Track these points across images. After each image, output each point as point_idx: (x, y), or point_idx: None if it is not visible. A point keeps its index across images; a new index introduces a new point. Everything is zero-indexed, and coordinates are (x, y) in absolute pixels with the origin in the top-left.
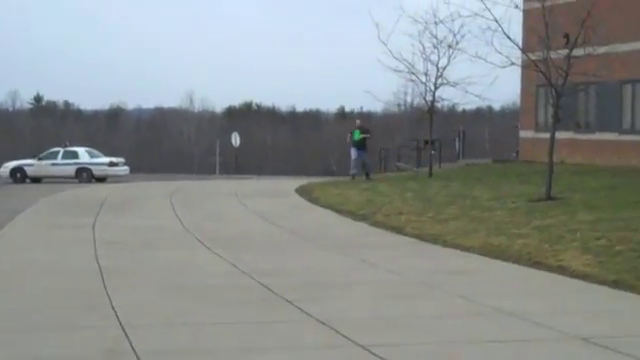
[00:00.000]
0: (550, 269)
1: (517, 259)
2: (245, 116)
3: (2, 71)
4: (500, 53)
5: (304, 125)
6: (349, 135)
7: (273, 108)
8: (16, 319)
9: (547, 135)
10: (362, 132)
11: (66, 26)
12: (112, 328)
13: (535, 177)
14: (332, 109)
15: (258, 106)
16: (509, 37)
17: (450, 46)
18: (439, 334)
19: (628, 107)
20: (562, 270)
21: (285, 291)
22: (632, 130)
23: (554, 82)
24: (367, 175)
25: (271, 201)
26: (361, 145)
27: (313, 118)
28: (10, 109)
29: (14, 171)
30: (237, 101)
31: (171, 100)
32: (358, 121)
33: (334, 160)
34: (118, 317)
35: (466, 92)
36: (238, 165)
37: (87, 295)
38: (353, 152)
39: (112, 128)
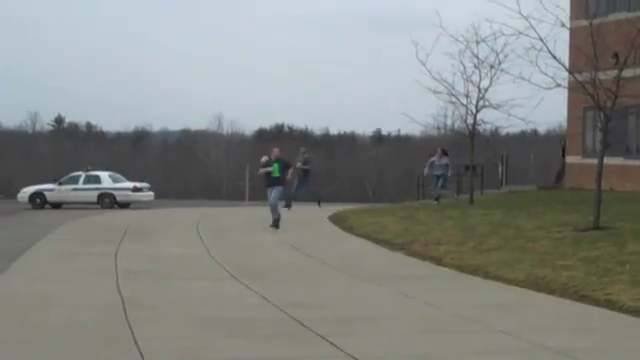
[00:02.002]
0: (597, 303)
1: (563, 292)
2: (276, 139)
3: (22, 92)
4: (545, 74)
5: (338, 149)
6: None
7: (306, 131)
8: (35, 353)
9: (595, 161)
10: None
11: (88, 45)
12: None
13: (582, 205)
14: (368, 132)
15: (290, 129)
16: (555, 57)
17: (492, 66)
18: None
19: None
20: (610, 304)
21: (317, 325)
22: None
23: (602, 105)
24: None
25: (303, 229)
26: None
27: (348, 141)
28: (30, 131)
29: (33, 196)
30: (268, 123)
31: (198, 122)
32: (302, 149)
33: (370, 186)
34: (141, 351)
35: (509, 115)
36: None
37: (109, 328)
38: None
39: (136, 151)
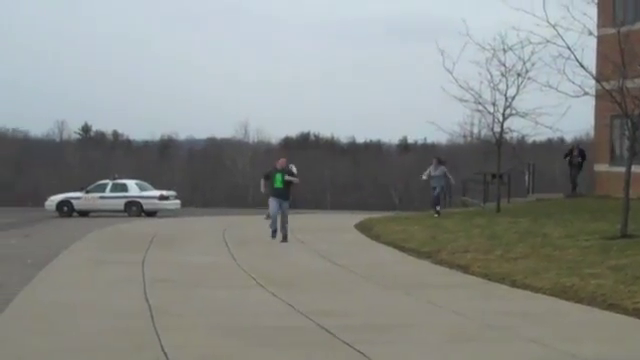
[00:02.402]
0: (626, 312)
1: (591, 301)
2: (302, 147)
3: (49, 100)
4: (572, 82)
5: (364, 157)
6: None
7: (332, 139)
8: None
9: (623, 169)
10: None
11: (115, 55)
12: None
13: (610, 213)
14: (394, 140)
15: (316, 137)
16: (582, 65)
17: (519, 74)
18: None
19: None
20: (638, 313)
21: (344, 333)
22: None
23: (630, 113)
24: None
25: (329, 237)
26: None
27: (374, 150)
28: (57, 139)
29: (61, 204)
30: (294, 132)
31: (224, 130)
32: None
33: (396, 194)
34: (168, 359)
35: (536, 123)
36: (294, 199)
37: (136, 336)
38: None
39: (163, 160)
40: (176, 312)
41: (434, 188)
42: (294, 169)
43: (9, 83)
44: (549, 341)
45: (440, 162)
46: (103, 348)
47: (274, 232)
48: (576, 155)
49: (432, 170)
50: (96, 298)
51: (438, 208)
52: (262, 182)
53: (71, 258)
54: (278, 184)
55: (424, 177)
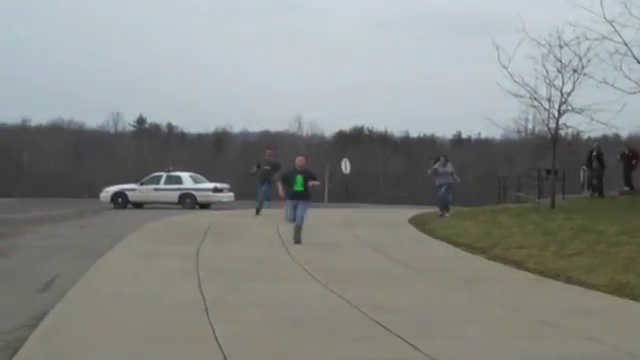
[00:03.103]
0: None
1: None
2: (356, 141)
3: (105, 92)
4: (629, 78)
5: (418, 151)
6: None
7: (385, 133)
8: (117, 352)
9: None
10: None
11: (170, 46)
12: None
13: None
14: (448, 135)
15: (370, 131)
16: (639, 61)
17: (575, 71)
18: None
19: None
20: None
21: (397, 327)
22: None
23: None
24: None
25: (383, 232)
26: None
27: (428, 144)
28: (112, 131)
29: (115, 196)
30: (347, 126)
31: (278, 124)
32: (269, 151)
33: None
34: (223, 352)
35: (592, 119)
36: (348, 193)
37: (191, 328)
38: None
39: (217, 152)
40: (230, 304)
41: (440, 187)
42: (273, 159)
43: (65, 74)
44: (605, 338)
45: (447, 160)
46: (158, 340)
47: (296, 235)
48: (594, 158)
49: (440, 167)
50: (151, 290)
51: (447, 211)
52: (280, 185)
53: (126, 250)
54: (299, 187)
55: (429, 172)
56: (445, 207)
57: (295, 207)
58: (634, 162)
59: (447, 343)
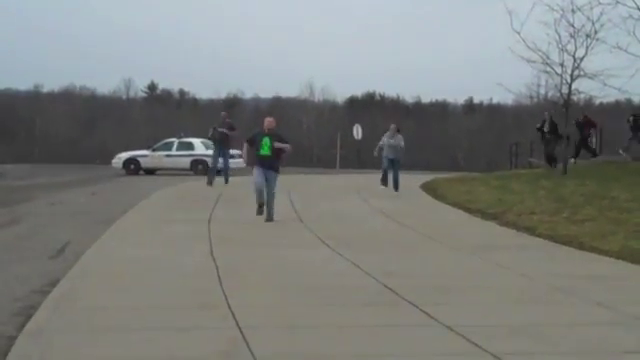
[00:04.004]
0: None
1: None
2: (368, 107)
3: (116, 58)
4: None
5: (430, 117)
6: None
7: (397, 99)
8: (130, 318)
9: None
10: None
11: (181, 13)
12: (229, 329)
13: None
14: (460, 100)
15: (382, 96)
16: None
17: (588, 36)
18: (575, 343)
19: None
20: None
21: (410, 294)
22: None
23: None
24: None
25: (395, 198)
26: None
27: (439, 110)
28: (124, 97)
29: (127, 162)
30: (359, 91)
31: (290, 89)
32: (224, 113)
33: (462, 154)
34: (235, 318)
35: (604, 85)
36: (360, 159)
37: (203, 294)
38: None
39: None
40: (243, 271)
41: (391, 160)
42: (228, 120)
43: (76, 41)
44: (616, 304)
45: (398, 130)
46: (171, 306)
47: (260, 207)
48: (547, 130)
49: (387, 138)
50: (163, 256)
51: (392, 187)
52: (245, 148)
53: (138, 216)
54: (265, 150)
55: (375, 152)
56: (392, 185)
57: (265, 176)
58: (591, 130)
59: (459, 309)
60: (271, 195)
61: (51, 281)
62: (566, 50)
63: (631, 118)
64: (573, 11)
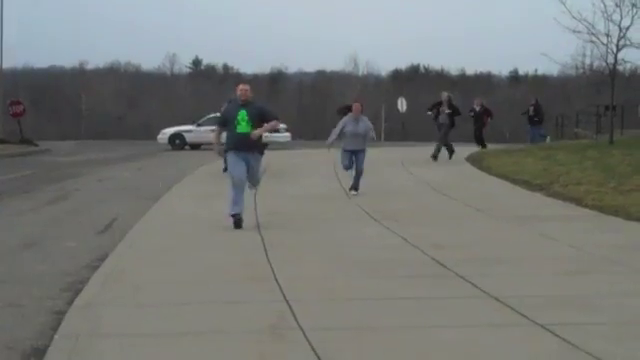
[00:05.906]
0: None
1: None
2: (412, 80)
3: (161, 34)
4: None
5: (475, 89)
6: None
7: (442, 71)
8: (178, 292)
9: None
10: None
11: None
12: (276, 303)
13: None
14: (504, 72)
15: (426, 69)
16: None
17: (634, 5)
18: (623, 314)
19: None
20: None
21: (458, 266)
22: None
23: None
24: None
25: (440, 170)
26: None
27: (484, 82)
28: (168, 73)
29: (173, 137)
30: (404, 64)
31: (334, 63)
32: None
33: (507, 127)
34: (283, 291)
35: None
36: (405, 132)
37: (250, 268)
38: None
39: (272, 92)
40: (290, 244)
41: (351, 152)
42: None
43: (122, 17)
44: None
45: (361, 109)
46: (217, 280)
47: (236, 219)
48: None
49: (349, 125)
50: (209, 231)
51: (356, 190)
52: (217, 131)
53: (184, 191)
54: (243, 128)
55: (328, 144)
56: (354, 187)
57: (245, 162)
58: (487, 119)
59: (507, 280)
60: (257, 183)
61: (99, 256)
62: (611, 20)
63: None
64: None
